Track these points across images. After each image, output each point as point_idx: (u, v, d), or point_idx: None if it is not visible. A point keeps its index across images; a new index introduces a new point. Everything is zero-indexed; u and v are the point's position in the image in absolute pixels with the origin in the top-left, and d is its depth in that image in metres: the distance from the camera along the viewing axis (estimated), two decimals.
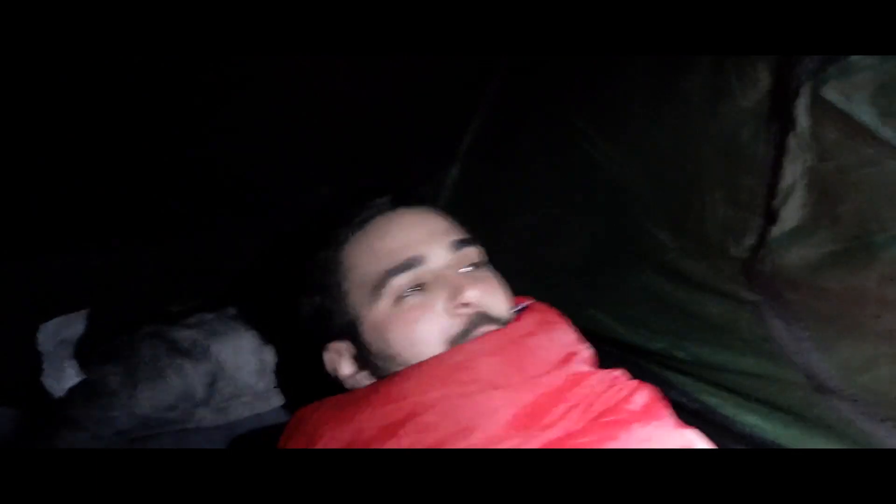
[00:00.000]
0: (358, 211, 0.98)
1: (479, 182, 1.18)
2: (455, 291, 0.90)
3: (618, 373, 0.95)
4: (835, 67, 0.74)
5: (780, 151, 0.82)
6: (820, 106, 0.76)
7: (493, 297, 0.94)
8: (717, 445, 1.01)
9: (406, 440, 0.81)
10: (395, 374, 0.89)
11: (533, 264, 1.13)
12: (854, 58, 0.72)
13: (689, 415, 1.04)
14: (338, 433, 0.84)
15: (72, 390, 0.98)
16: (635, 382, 0.94)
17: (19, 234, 0.86)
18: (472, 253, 0.97)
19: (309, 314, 0.99)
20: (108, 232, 0.95)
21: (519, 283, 1.14)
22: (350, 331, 0.95)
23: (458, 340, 0.89)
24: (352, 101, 1.02)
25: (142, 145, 0.88)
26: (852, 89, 0.73)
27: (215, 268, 1.10)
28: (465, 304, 0.90)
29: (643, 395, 0.92)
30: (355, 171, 1.13)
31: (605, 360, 1.09)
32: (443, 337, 0.90)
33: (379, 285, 0.91)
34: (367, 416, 0.84)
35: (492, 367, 0.87)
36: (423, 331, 0.90)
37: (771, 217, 0.85)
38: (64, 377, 0.97)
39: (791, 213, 0.83)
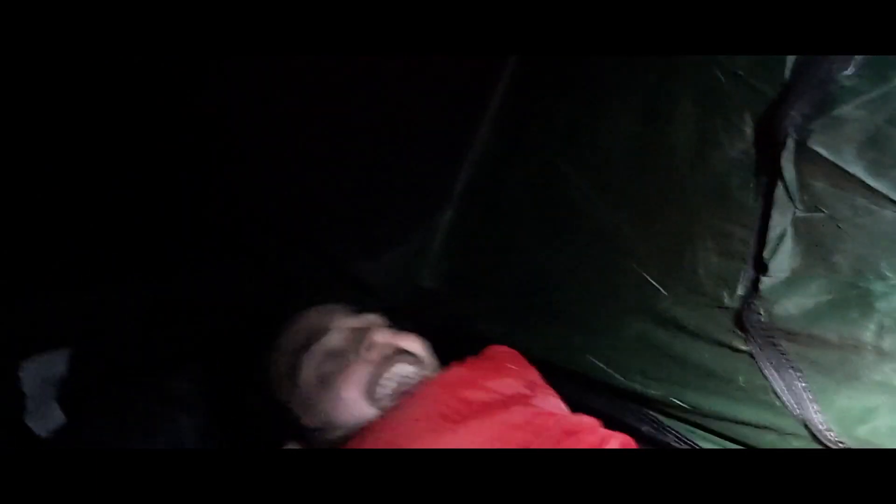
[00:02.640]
0: (273, 329, 1.02)
1: (472, 226, 1.16)
2: (362, 339, 0.93)
3: (585, 419, 0.94)
4: (820, 121, 0.72)
5: (768, 201, 0.80)
6: (807, 157, 0.74)
7: (401, 338, 0.98)
8: None
9: None
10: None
11: (529, 309, 1.12)
12: (839, 111, 0.71)
13: None
14: None
15: (63, 442, 0.97)
16: (604, 433, 0.92)
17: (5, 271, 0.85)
18: (373, 316, 1.01)
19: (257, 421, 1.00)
20: (92, 271, 0.93)
21: (517, 328, 1.13)
22: (291, 428, 0.95)
23: (377, 381, 0.91)
24: (346, 145, 1.02)
25: (129, 183, 0.87)
26: (840, 142, 0.72)
27: (202, 309, 1.09)
28: (373, 347, 0.93)
29: (614, 443, 0.90)
30: (349, 215, 1.12)
31: (603, 405, 1.08)
32: (363, 385, 0.91)
33: (294, 368, 0.94)
34: None
35: (426, 412, 0.87)
36: (344, 387, 0.91)
37: (762, 267, 0.83)
38: (48, 418, 0.96)
39: (782, 264, 0.81)
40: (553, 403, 0.97)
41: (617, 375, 1.04)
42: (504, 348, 1.08)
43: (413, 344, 0.99)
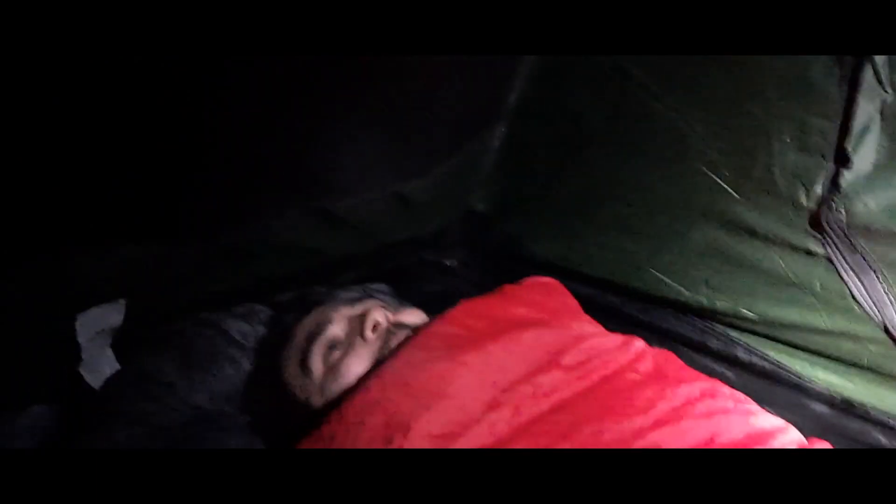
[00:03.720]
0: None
1: (528, 141, 1.12)
2: (362, 323, 0.95)
3: (614, 337, 0.91)
4: None
5: (853, 88, 0.76)
6: None
7: (401, 313, 0.99)
8: (790, 404, 0.97)
9: (374, 422, 0.80)
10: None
11: (589, 224, 1.08)
12: None
13: (757, 374, 1.00)
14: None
15: (124, 384, 0.96)
16: (640, 348, 0.89)
17: (56, 230, 0.84)
18: (371, 301, 1.02)
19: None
20: (145, 227, 0.92)
21: (576, 244, 1.10)
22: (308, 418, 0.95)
23: (384, 353, 0.92)
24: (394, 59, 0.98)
25: (180, 139, 0.85)
26: None
27: (255, 261, 1.08)
28: (376, 325, 0.95)
29: (649, 361, 0.88)
30: (399, 131, 1.08)
31: (667, 323, 1.05)
32: (371, 363, 0.92)
33: (304, 360, 0.95)
34: (337, 421, 0.83)
35: (439, 342, 0.88)
36: (353, 370, 0.92)
37: (844, 160, 0.79)
38: (102, 367, 0.95)
39: (867, 155, 0.78)
40: (586, 329, 0.95)
41: (682, 289, 1.01)
42: (543, 278, 1.07)
43: (413, 316, 1.00)
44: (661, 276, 1.02)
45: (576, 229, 1.10)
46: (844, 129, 0.77)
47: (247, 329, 1.06)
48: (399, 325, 0.96)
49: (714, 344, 1.02)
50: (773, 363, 0.98)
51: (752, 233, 0.91)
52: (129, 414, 0.94)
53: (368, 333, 0.94)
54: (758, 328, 0.98)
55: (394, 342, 0.93)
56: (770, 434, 0.77)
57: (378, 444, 0.79)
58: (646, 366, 0.87)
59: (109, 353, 0.96)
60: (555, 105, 1.06)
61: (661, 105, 0.92)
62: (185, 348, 1.01)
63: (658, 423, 0.76)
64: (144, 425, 0.94)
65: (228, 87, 0.82)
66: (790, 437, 0.78)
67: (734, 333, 1.01)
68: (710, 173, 0.91)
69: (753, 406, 0.83)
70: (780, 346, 0.97)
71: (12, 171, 0.73)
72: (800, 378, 0.97)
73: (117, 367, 0.97)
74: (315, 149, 1.00)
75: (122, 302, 0.96)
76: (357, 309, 1.00)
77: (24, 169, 0.73)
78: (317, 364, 0.95)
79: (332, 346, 0.95)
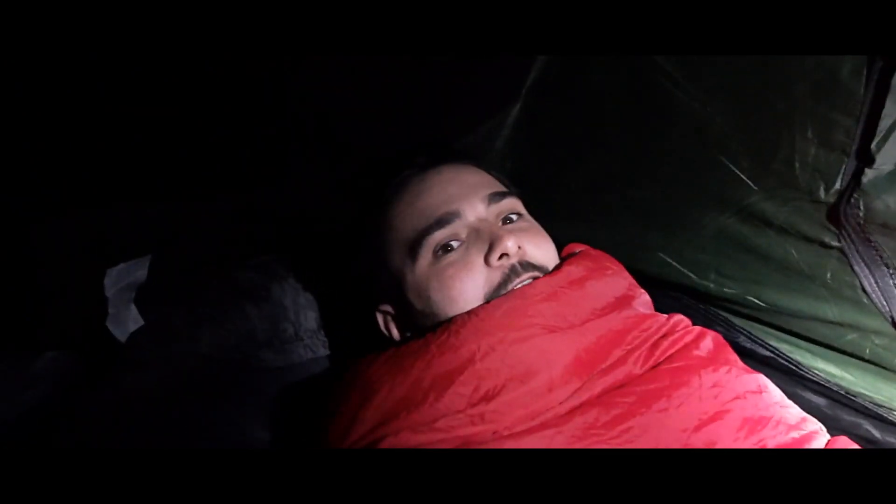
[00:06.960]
0: (396, 170, 0.97)
1: (544, 122, 1.13)
2: (492, 244, 0.88)
3: (678, 318, 0.93)
4: None
5: (881, 89, 0.78)
6: None
7: (532, 245, 0.92)
8: (788, 393, 1.00)
9: (464, 388, 0.79)
10: (450, 322, 0.85)
11: (600, 207, 1.10)
12: None
13: (758, 362, 1.02)
14: (395, 385, 0.82)
15: (135, 332, 0.97)
16: (699, 328, 0.91)
17: (86, 183, 0.84)
18: (510, 205, 0.96)
19: (358, 276, 0.99)
20: (171, 183, 0.92)
21: (584, 226, 1.11)
22: (394, 293, 0.94)
23: (499, 292, 0.87)
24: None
25: (206, 98, 0.85)
26: None
27: (279, 219, 1.08)
28: (503, 256, 0.88)
29: (709, 340, 0.90)
30: (416, 109, 1.09)
31: (671, 306, 1.07)
32: (482, 291, 0.88)
33: (415, 245, 0.91)
34: (423, 366, 0.82)
35: (547, 311, 0.85)
36: (461, 287, 0.88)
37: (867, 159, 0.81)
38: (127, 322, 0.95)
39: (890, 156, 0.79)
40: (647, 301, 0.96)
41: (690, 274, 1.03)
42: (589, 248, 1.04)
43: (543, 254, 0.93)
44: (670, 261, 1.04)
45: (587, 210, 1.12)
46: (870, 129, 0.79)
47: (256, 279, 1.06)
48: (526, 266, 0.89)
49: (717, 330, 1.03)
50: (773, 351, 1.00)
51: (767, 223, 0.93)
52: (140, 362, 0.96)
53: (495, 260, 0.88)
54: (762, 316, 1.00)
55: (510, 286, 0.87)
56: (808, 438, 0.80)
57: (461, 406, 0.79)
58: (707, 345, 0.89)
59: (133, 308, 0.96)
60: (574, 85, 1.07)
61: (683, 93, 0.93)
62: (193, 299, 1.02)
63: (714, 417, 0.79)
64: (153, 372, 0.96)
65: (263, 60, 0.83)
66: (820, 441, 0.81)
67: (737, 320, 1.03)
68: (728, 164, 0.93)
69: (788, 402, 0.86)
70: (783, 336, 1.00)
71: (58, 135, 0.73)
72: (799, 368, 0.99)
73: (141, 322, 0.97)
74: (336, 120, 1.01)
75: (148, 258, 0.96)
76: (494, 213, 0.93)
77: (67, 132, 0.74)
78: (423, 262, 0.90)
79: (452, 249, 0.90)
